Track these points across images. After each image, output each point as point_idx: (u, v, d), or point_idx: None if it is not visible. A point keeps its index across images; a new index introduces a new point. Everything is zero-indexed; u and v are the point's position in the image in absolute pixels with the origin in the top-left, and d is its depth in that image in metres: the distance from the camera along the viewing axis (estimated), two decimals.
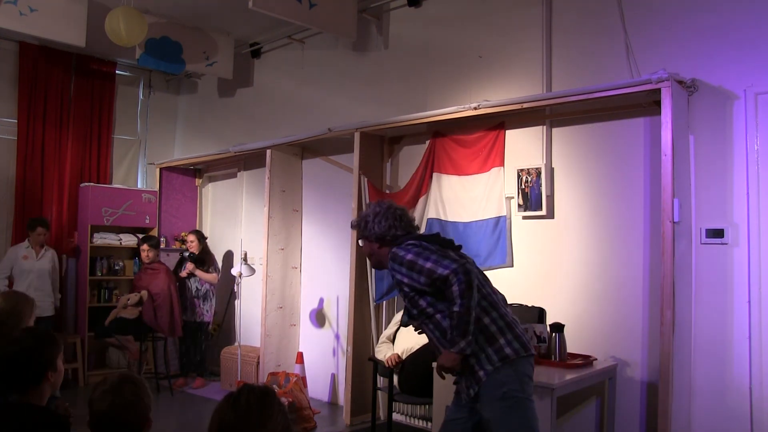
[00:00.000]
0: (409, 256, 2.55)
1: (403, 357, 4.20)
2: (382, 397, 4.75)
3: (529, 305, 4.16)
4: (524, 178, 4.30)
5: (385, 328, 4.75)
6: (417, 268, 2.52)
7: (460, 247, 2.74)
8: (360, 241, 2.89)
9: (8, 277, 5.85)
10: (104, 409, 1.83)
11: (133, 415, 1.85)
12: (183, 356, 6.42)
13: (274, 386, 4.83)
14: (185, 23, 6.12)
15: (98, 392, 1.85)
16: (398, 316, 4.61)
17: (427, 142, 4.90)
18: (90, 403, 1.86)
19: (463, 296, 2.40)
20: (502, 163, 4.44)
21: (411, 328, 4.32)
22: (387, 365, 4.25)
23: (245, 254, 6.12)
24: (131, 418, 1.84)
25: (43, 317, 5.51)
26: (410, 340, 4.25)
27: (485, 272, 4.48)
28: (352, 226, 2.97)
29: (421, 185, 4.82)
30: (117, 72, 7.27)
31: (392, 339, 4.48)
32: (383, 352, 4.38)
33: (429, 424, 4.49)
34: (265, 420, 1.58)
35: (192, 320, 6.20)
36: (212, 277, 6.26)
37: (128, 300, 5.88)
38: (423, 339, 4.19)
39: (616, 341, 3.86)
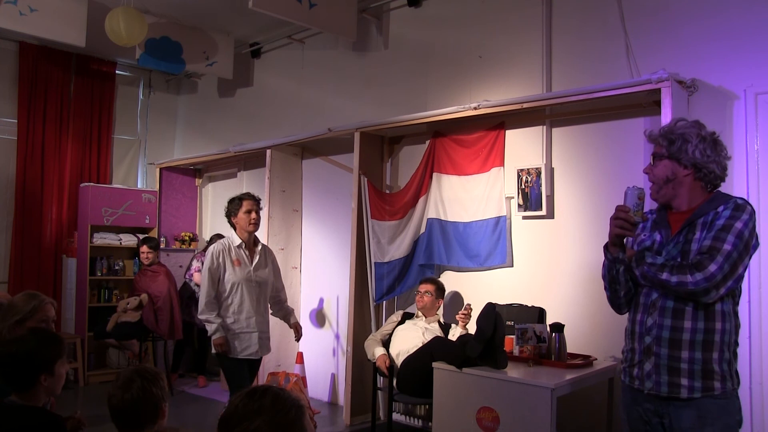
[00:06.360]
0: (747, 225, 2.06)
1: (400, 359, 4.18)
2: (382, 397, 4.75)
3: (529, 305, 4.17)
4: (524, 178, 4.30)
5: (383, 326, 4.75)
6: (745, 239, 2.04)
7: None
8: (655, 159, 2.25)
9: (215, 297, 3.84)
10: (116, 404, 1.96)
11: (144, 407, 1.96)
12: (177, 354, 6.44)
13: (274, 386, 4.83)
14: (185, 23, 6.12)
15: (113, 388, 1.98)
16: (394, 317, 4.59)
17: (427, 142, 4.90)
18: (107, 398, 1.99)
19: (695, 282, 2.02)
20: (502, 163, 4.44)
21: (409, 329, 4.37)
22: (379, 366, 4.23)
23: None
24: (142, 411, 1.96)
25: (254, 360, 3.97)
26: (407, 342, 4.22)
27: (485, 272, 4.56)
28: (650, 137, 2.27)
29: (421, 185, 4.82)
30: (117, 72, 7.28)
31: (386, 339, 4.44)
32: (371, 349, 4.37)
33: (429, 424, 4.50)
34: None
35: (185, 320, 6.18)
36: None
37: (128, 304, 5.87)
38: (419, 341, 4.20)
39: (616, 341, 3.84)
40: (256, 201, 3.95)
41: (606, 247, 2.24)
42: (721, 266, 1.99)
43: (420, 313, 4.46)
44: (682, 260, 2.09)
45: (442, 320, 4.47)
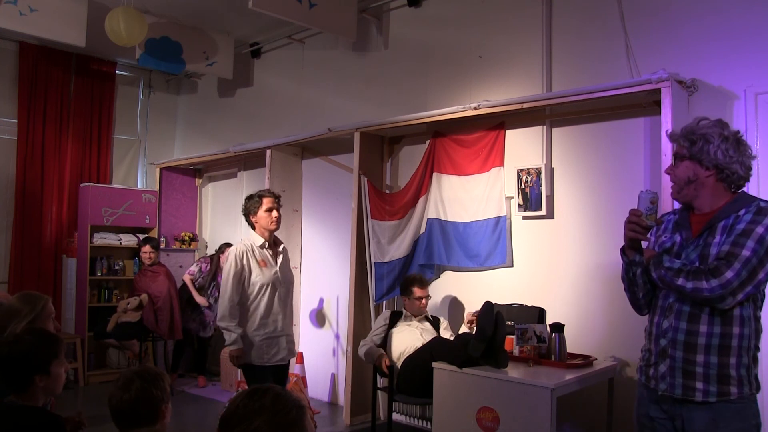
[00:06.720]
0: None
1: (401, 360, 4.16)
2: (382, 397, 4.75)
3: (529, 305, 4.17)
4: (524, 178, 4.30)
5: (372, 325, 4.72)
6: (766, 244, 1.99)
7: None
8: (676, 159, 2.20)
9: (238, 302, 3.59)
10: (116, 404, 1.95)
11: (143, 408, 1.95)
12: (176, 354, 6.44)
13: None
14: (185, 23, 6.12)
15: (113, 388, 1.97)
16: (382, 320, 4.50)
17: (427, 142, 4.90)
18: (108, 398, 1.99)
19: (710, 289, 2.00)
20: (502, 163, 4.44)
21: (406, 331, 4.34)
22: (379, 366, 4.22)
23: None
24: (141, 412, 1.95)
25: (281, 365, 3.80)
26: (407, 344, 4.20)
27: (485, 272, 4.56)
28: (671, 137, 2.23)
29: (421, 185, 4.82)
30: (117, 72, 7.28)
31: (380, 343, 4.38)
32: (368, 351, 4.32)
33: (429, 424, 4.49)
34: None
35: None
36: (202, 300, 6.14)
37: (128, 304, 5.88)
38: (419, 342, 4.17)
39: (616, 341, 3.86)
40: (277, 198, 3.72)
41: (623, 250, 2.24)
42: (738, 273, 1.96)
43: (409, 313, 4.43)
44: (700, 264, 2.07)
45: (429, 316, 4.46)
